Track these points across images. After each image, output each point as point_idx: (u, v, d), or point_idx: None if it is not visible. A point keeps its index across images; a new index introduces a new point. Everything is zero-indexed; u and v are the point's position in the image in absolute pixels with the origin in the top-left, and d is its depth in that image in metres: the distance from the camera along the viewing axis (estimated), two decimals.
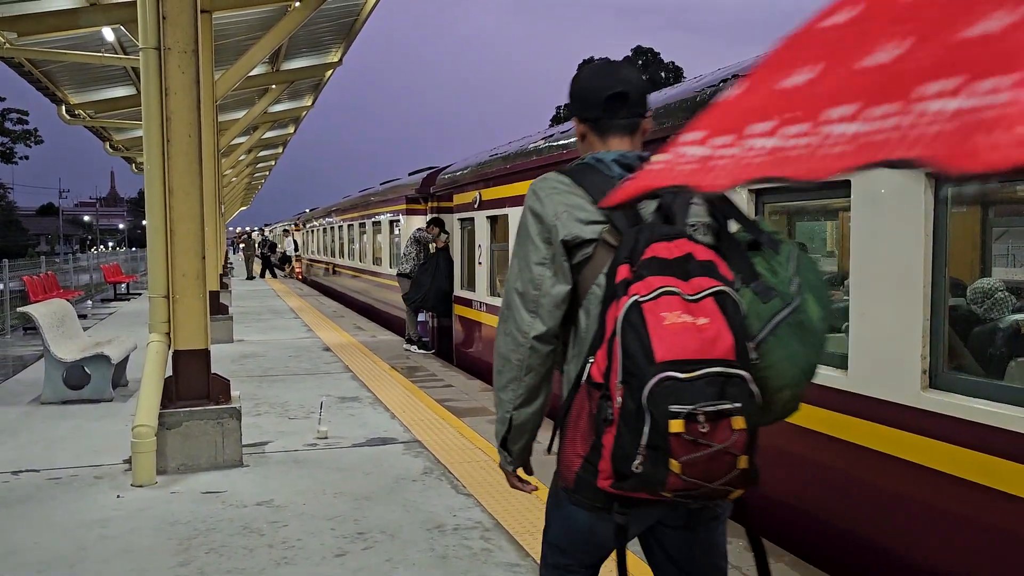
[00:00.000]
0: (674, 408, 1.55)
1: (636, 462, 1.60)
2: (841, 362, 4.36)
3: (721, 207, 1.88)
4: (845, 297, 4.70)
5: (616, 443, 1.64)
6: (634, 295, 1.65)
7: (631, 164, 1.91)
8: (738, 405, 1.58)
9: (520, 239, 1.97)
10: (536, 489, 2.18)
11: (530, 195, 1.96)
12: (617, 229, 1.82)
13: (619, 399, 1.63)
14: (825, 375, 4.42)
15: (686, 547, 1.98)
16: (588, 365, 1.76)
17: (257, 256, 36.15)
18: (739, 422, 1.58)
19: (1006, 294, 4.49)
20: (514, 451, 2.05)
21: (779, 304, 1.70)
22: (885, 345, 4.04)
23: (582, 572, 2.06)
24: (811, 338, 1.72)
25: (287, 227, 43.62)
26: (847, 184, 4.28)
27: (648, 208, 1.86)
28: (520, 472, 2.14)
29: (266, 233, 41.00)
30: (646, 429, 1.57)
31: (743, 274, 1.74)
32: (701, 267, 1.69)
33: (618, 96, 1.96)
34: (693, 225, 1.86)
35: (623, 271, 1.70)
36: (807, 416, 4.54)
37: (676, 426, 1.55)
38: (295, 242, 37.75)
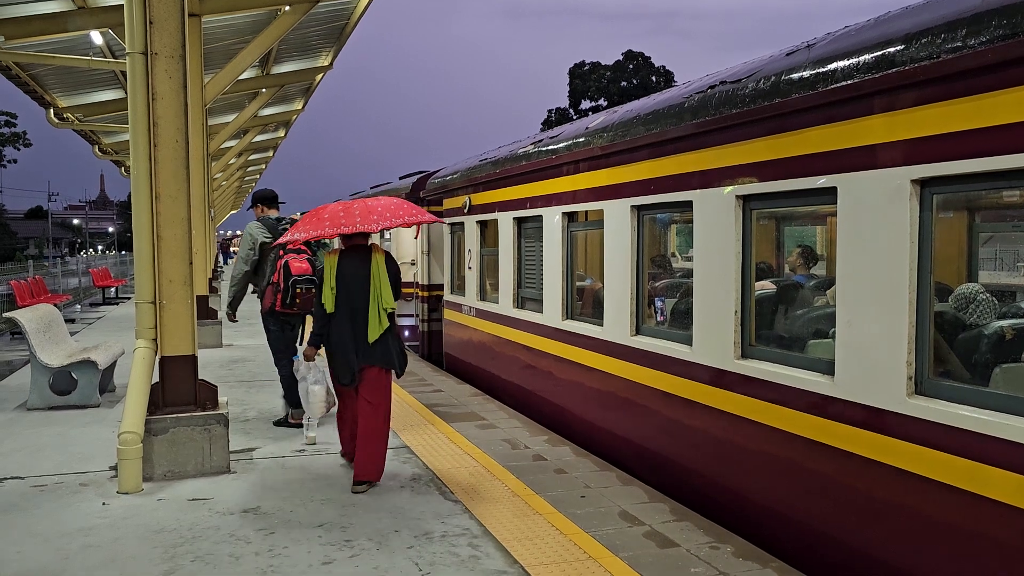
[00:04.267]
0: (298, 286, 6.87)
1: (287, 300, 6.89)
2: (827, 368, 4.37)
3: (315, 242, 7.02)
4: (832, 304, 4.70)
5: (281, 296, 6.91)
6: (286, 258, 6.93)
7: (272, 224, 7.41)
8: (311, 285, 6.83)
9: (243, 240, 7.47)
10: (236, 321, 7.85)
11: (250, 226, 7.50)
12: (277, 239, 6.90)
13: (282, 285, 6.89)
14: (811, 380, 4.43)
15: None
16: (270, 276, 7.11)
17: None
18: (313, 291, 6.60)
19: (988, 296, 4.51)
20: (235, 307, 7.64)
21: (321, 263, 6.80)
22: (871, 351, 4.05)
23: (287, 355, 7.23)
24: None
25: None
26: (833, 191, 4.29)
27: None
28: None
29: None
30: (289, 291, 6.86)
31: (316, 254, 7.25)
32: (299, 251, 7.01)
33: (273, 196, 7.73)
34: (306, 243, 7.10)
35: (282, 253, 6.98)
36: (793, 421, 4.54)
37: (298, 290, 6.89)
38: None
